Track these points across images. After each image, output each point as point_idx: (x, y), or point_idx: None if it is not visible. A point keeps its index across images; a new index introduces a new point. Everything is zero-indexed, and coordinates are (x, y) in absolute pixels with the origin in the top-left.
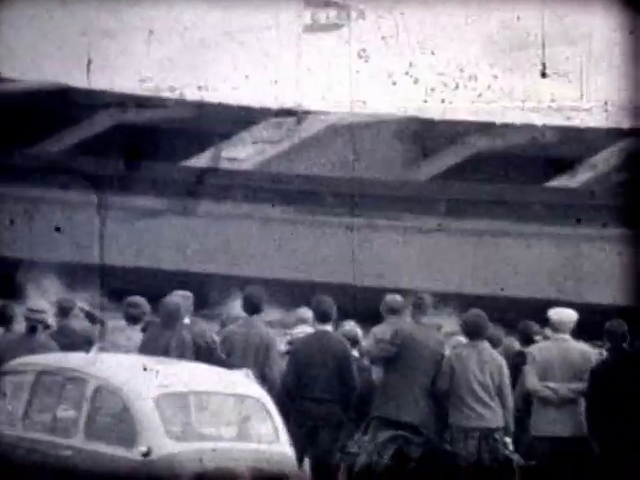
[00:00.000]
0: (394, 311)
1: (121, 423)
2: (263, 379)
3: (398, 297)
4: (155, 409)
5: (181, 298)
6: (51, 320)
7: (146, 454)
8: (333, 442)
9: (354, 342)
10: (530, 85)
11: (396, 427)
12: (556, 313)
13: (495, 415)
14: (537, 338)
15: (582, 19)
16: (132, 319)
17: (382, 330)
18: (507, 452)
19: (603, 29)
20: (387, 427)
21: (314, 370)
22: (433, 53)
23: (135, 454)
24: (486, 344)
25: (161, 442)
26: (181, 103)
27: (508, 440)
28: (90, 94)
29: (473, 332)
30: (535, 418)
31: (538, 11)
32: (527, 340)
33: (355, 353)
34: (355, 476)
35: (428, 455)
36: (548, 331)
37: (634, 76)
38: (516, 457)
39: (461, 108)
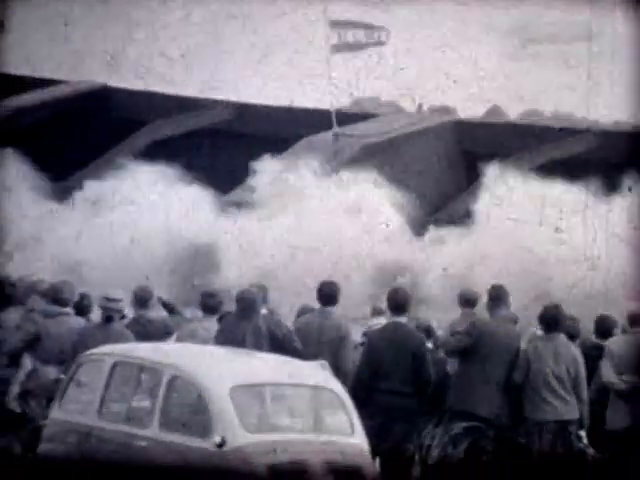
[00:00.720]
0: (470, 303)
1: (196, 413)
2: (337, 370)
3: (474, 289)
4: (230, 400)
5: (257, 289)
6: (127, 310)
7: (220, 445)
8: (407, 434)
9: (428, 333)
10: None
11: (471, 420)
12: (633, 307)
13: (570, 408)
14: (615, 331)
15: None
16: (209, 309)
17: (458, 322)
18: (581, 445)
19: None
20: (462, 419)
21: (389, 362)
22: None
23: (209, 445)
24: (562, 337)
25: (235, 433)
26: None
27: (583, 433)
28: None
29: (550, 325)
30: (611, 411)
31: None
32: (604, 333)
33: (429, 345)
34: (429, 468)
35: (502, 448)
36: (625, 325)
37: None
38: (591, 451)
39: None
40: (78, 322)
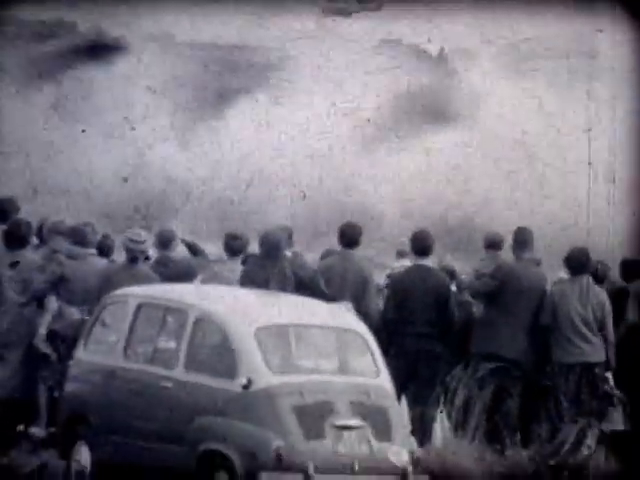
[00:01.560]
0: (495, 246)
1: (221, 355)
2: (359, 312)
3: (499, 232)
4: (255, 341)
5: (282, 230)
6: (151, 251)
7: (246, 386)
8: (432, 377)
9: (451, 275)
10: None
11: (497, 361)
12: None
13: (596, 350)
14: None
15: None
16: (233, 251)
17: (483, 265)
18: (607, 388)
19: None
20: (487, 362)
21: (413, 305)
22: None
23: (235, 386)
24: (589, 279)
25: (261, 374)
26: None
27: (609, 376)
28: None
29: (576, 267)
30: (636, 354)
31: None
32: (630, 276)
33: (453, 287)
34: (455, 411)
35: (528, 390)
36: None
37: None
38: (617, 393)
39: None
40: (101, 263)
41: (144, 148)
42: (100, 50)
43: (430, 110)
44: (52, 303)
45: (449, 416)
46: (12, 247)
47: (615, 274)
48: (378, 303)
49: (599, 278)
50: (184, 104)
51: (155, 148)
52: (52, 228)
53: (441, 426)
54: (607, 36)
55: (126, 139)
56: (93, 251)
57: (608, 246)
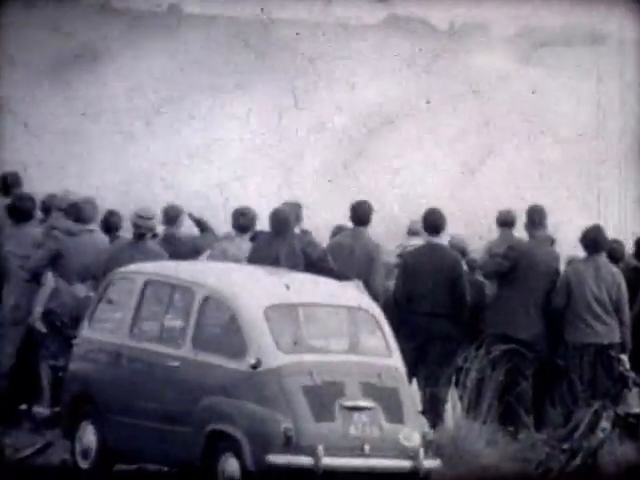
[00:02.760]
0: (508, 224)
1: (229, 334)
2: (367, 291)
3: (511, 210)
4: (264, 320)
5: (292, 207)
6: (159, 228)
7: (255, 366)
8: (444, 357)
9: (462, 254)
10: None
11: (510, 342)
12: None
13: (611, 331)
14: None
15: None
16: (241, 228)
17: (496, 244)
18: (622, 369)
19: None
20: (500, 342)
21: (424, 284)
22: None
23: (243, 366)
24: (604, 259)
25: (270, 354)
26: None
27: (624, 357)
28: None
29: (591, 246)
30: None
31: None
32: None
33: (465, 266)
34: (467, 392)
35: (541, 371)
36: None
37: None
38: (632, 374)
39: None
40: (103, 240)
41: None
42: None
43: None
44: (49, 280)
45: (461, 398)
46: (16, 221)
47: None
48: (385, 283)
49: (615, 258)
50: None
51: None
52: (53, 204)
53: (453, 407)
54: (615, 22)
55: None
56: (93, 227)
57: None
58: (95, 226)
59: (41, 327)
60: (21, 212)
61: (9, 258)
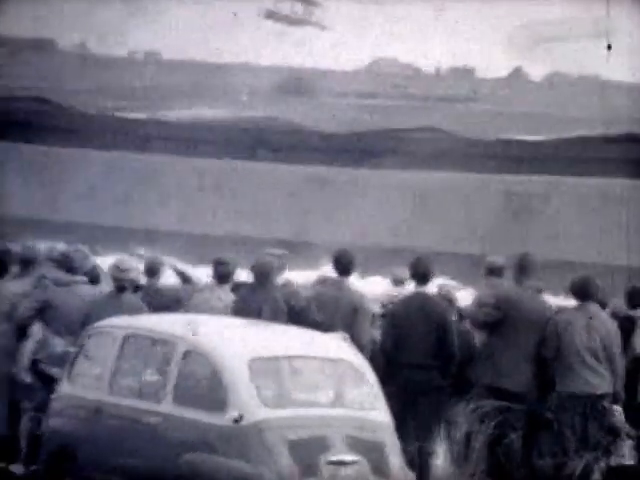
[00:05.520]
0: (496, 272)
1: (211, 388)
2: (352, 342)
3: (500, 258)
4: (247, 373)
5: (274, 257)
6: (142, 280)
7: (237, 420)
8: (432, 410)
9: (449, 302)
10: None
11: (499, 395)
12: None
13: (603, 381)
14: None
15: None
16: (221, 277)
17: (485, 293)
18: (614, 420)
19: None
20: (490, 394)
21: (413, 334)
22: None
23: (226, 420)
24: (595, 307)
25: (253, 408)
26: None
27: (618, 408)
28: None
29: (581, 294)
30: None
31: None
32: (636, 304)
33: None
34: (455, 445)
35: (531, 424)
36: None
37: None
38: (626, 426)
39: None
40: (90, 291)
41: None
42: None
43: None
44: (36, 331)
45: (449, 450)
46: None
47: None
48: (371, 333)
49: (600, 304)
50: None
51: None
52: (41, 254)
53: (441, 461)
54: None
55: None
56: (81, 278)
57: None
58: (84, 277)
59: (26, 377)
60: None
61: None
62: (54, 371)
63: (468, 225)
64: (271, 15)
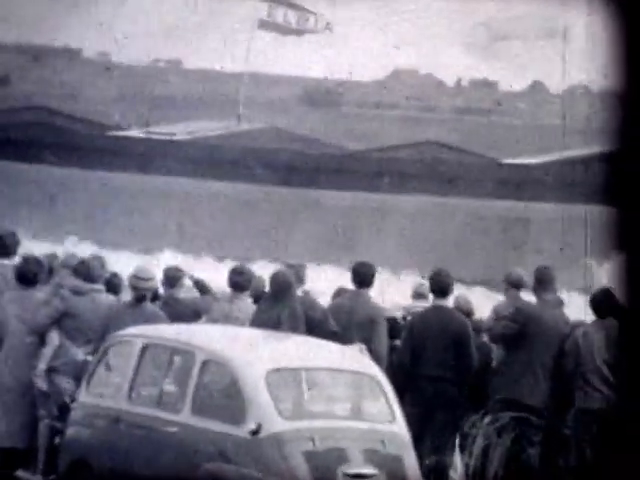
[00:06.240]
0: (516, 286)
1: (229, 399)
2: (370, 354)
3: (521, 270)
4: (265, 385)
5: (294, 269)
6: (161, 289)
7: (255, 432)
8: (450, 423)
9: (467, 315)
10: None
11: (517, 409)
12: None
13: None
14: None
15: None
16: (238, 287)
17: (504, 307)
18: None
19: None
20: (507, 408)
21: (431, 347)
22: None
23: (243, 431)
24: (614, 322)
25: (271, 419)
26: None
27: None
28: None
29: (600, 309)
30: None
31: None
32: None
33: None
34: (473, 459)
35: (549, 438)
36: None
37: None
38: None
39: None
40: (108, 300)
41: None
42: None
43: None
44: (53, 339)
45: (467, 465)
46: (23, 285)
47: None
48: (387, 345)
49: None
50: None
51: None
52: (60, 262)
53: (458, 474)
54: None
55: None
56: (99, 287)
57: None
58: (102, 286)
59: (42, 385)
60: (27, 276)
61: (11, 322)
62: (64, 384)
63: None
64: (264, 25)
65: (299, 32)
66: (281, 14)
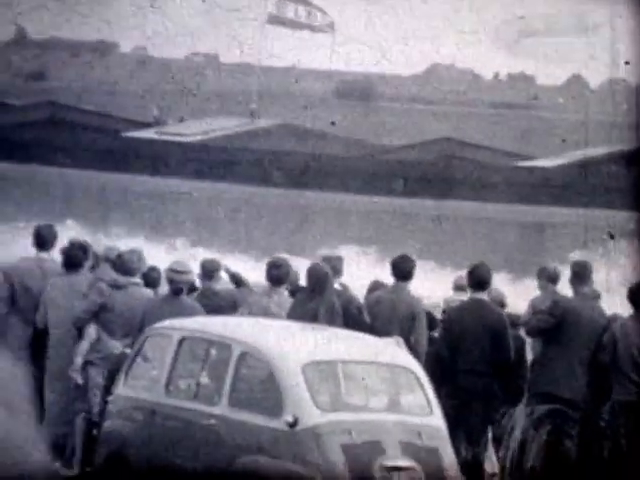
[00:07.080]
0: (553, 280)
1: (267, 391)
2: (409, 349)
3: (555, 266)
4: (302, 377)
5: (331, 261)
6: (198, 282)
7: (292, 424)
8: (486, 416)
9: (501, 306)
10: None
11: (553, 401)
12: None
13: None
14: None
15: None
16: (275, 280)
17: (541, 300)
18: None
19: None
20: (544, 401)
21: (468, 340)
22: None
23: (281, 424)
24: None
25: (308, 412)
26: None
27: None
28: None
29: (638, 302)
30: None
31: None
32: None
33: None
34: (510, 452)
35: (586, 431)
36: None
37: None
38: None
39: None
40: (146, 294)
41: None
42: None
43: None
44: (91, 333)
45: (504, 459)
46: (66, 270)
47: None
48: (427, 338)
49: None
50: None
51: None
52: (100, 255)
53: (494, 467)
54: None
55: None
56: (138, 280)
57: None
58: (139, 279)
59: (78, 378)
60: (73, 260)
61: (52, 307)
62: (100, 378)
63: None
64: (274, 19)
65: (329, 26)
66: (303, 12)
